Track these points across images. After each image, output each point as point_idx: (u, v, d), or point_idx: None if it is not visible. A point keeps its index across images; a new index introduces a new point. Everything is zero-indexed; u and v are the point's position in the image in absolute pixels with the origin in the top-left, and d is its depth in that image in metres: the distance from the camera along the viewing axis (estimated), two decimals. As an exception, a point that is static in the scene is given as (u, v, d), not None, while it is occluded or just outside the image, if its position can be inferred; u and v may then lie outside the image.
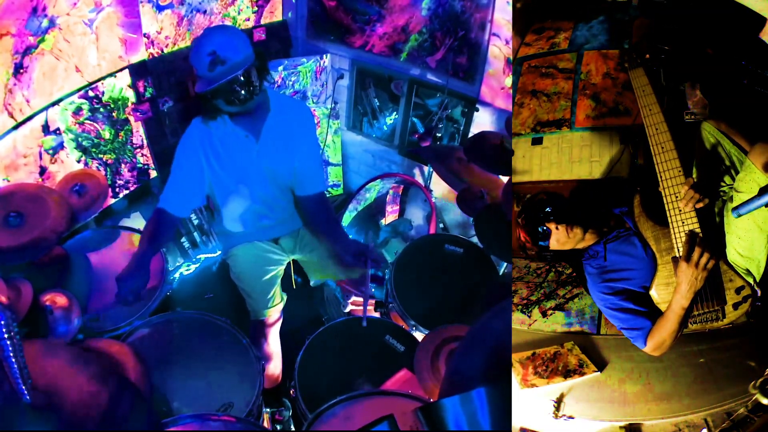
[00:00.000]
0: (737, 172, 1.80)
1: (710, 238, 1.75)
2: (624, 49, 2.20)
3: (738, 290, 1.72)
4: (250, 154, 2.20)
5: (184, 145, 2.17)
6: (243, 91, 2.00)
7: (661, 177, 1.79)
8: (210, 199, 2.35)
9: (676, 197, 1.75)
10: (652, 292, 1.81)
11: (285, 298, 2.49)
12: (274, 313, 2.42)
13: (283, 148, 2.25)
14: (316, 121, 3.56)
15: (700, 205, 1.73)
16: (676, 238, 1.75)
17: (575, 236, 1.94)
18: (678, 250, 1.75)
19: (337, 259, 2.47)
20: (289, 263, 2.58)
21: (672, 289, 1.76)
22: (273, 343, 2.46)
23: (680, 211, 1.75)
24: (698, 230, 1.72)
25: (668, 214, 1.76)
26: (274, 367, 2.50)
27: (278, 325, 2.48)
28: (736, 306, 1.72)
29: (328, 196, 3.80)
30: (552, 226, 1.92)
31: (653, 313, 1.81)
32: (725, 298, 1.73)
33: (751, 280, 1.72)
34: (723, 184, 1.87)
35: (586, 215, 1.98)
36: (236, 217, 2.36)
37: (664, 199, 1.77)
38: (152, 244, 2.10)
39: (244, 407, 1.89)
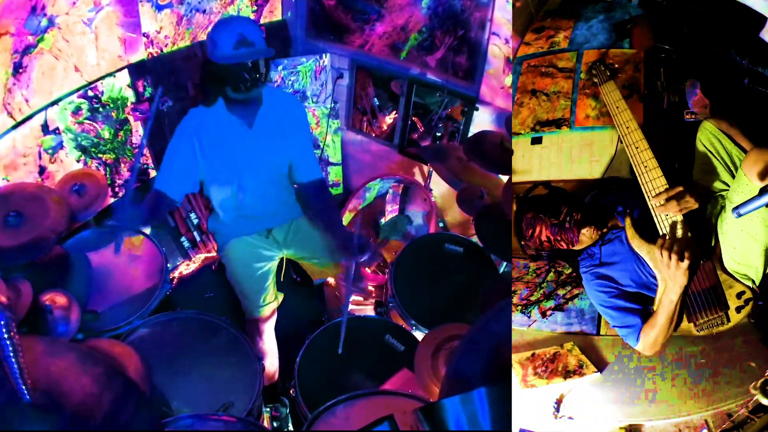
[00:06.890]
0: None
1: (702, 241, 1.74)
2: (590, 63, 2.14)
3: (739, 295, 1.72)
4: (243, 140, 2.26)
5: (180, 131, 2.25)
6: (252, 78, 2.09)
7: (648, 196, 1.76)
8: (203, 187, 2.38)
9: (666, 215, 1.74)
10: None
11: (280, 297, 2.48)
12: (267, 311, 2.42)
13: (276, 137, 2.31)
14: (315, 121, 3.57)
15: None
16: None
17: (594, 237, 1.92)
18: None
19: (329, 249, 2.47)
20: (281, 260, 2.58)
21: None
22: (268, 341, 2.46)
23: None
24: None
25: (660, 231, 1.74)
26: (270, 364, 2.50)
27: (272, 322, 2.47)
28: (738, 309, 1.72)
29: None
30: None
31: (646, 312, 1.80)
32: (727, 303, 1.72)
33: (750, 284, 1.72)
34: (723, 184, 1.86)
35: (603, 216, 1.97)
36: (224, 203, 2.39)
37: (654, 217, 1.75)
38: (151, 213, 2.21)
39: (244, 407, 1.90)
